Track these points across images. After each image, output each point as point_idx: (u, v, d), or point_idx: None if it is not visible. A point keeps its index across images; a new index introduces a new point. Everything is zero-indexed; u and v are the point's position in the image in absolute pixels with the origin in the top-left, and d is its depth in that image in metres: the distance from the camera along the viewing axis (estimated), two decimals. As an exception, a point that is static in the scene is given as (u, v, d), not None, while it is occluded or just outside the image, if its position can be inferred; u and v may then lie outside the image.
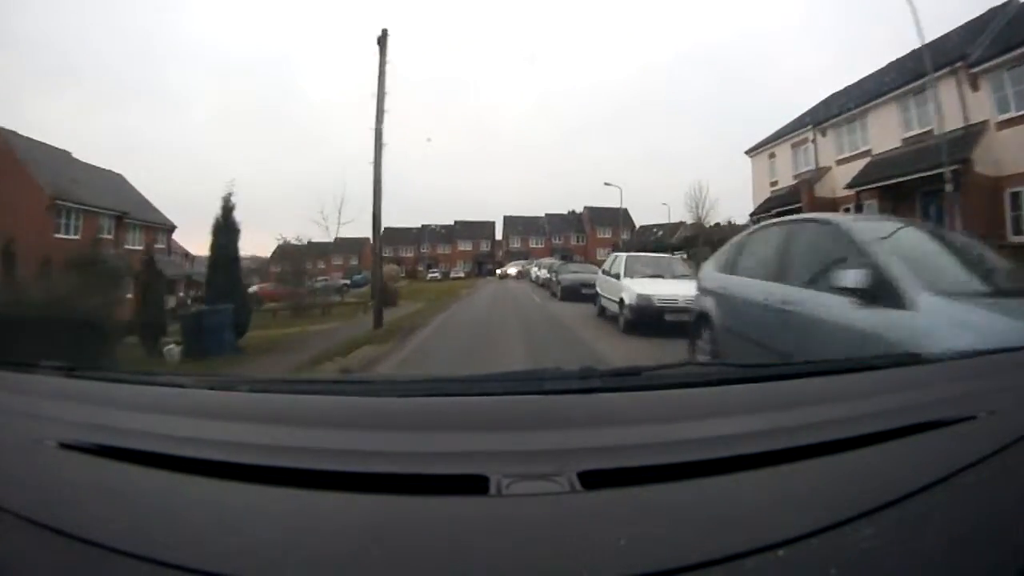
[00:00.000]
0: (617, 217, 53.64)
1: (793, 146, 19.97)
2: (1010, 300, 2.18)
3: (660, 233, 54.08)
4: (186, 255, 29.80)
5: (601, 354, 6.11)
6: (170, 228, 27.37)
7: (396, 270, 51.14)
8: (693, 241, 48.58)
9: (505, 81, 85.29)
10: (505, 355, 6.43)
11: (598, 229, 53.34)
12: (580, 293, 13.25)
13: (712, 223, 50.46)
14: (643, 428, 0.70)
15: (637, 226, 52.06)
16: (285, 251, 60.32)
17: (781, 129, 21.20)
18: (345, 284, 40.77)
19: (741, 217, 45.75)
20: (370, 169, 11.05)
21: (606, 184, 32.63)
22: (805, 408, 0.77)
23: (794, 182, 19.25)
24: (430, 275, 46.36)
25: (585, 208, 55.04)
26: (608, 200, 57.18)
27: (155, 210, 27.03)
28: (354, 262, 59.44)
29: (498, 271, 38.52)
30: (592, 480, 0.56)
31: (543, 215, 56.17)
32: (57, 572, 0.47)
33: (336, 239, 62.44)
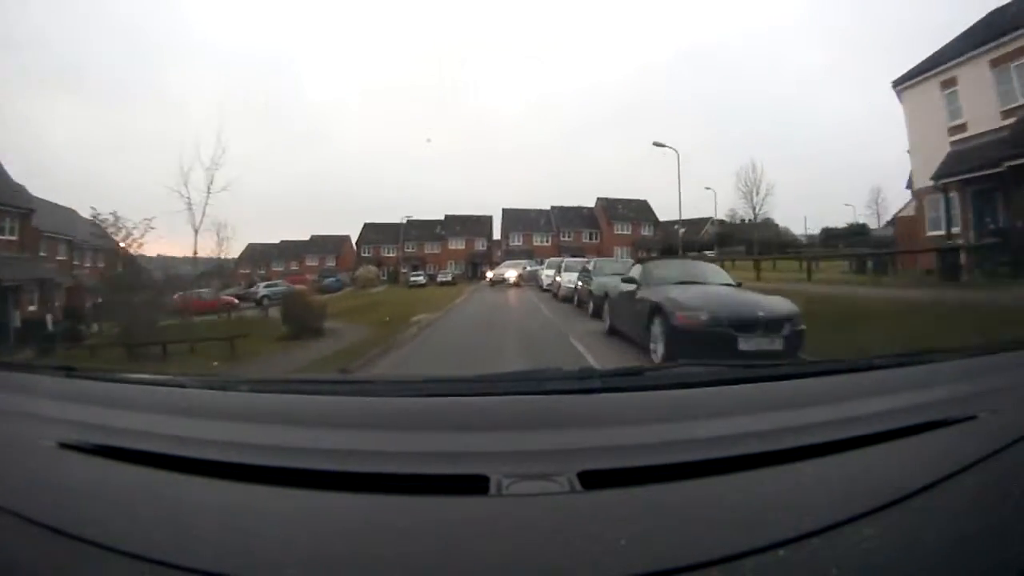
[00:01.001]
0: (638, 210, 45.72)
1: (995, 63, 11.90)
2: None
3: (683, 230, 46.44)
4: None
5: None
6: (25, 212, 19.02)
7: (375, 272, 43.02)
8: (728, 240, 40.72)
9: (505, 79, 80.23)
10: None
11: (615, 224, 44.91)
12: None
13: (739, 219, 42.53)
14: (643, 428, 0.70)
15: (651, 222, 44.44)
16: (256, 252, 50.76)
17: (957, 41, 13.22)
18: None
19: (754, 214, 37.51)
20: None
21: (656, 144, 22.29)
22: (805, 408, 0.77)
23: (1006, 121, 11.17)
24: (412, 279, 37.76)
25: (598, 200, 46.70)
26: (625, 191, 49.46)
27: (14, 188, 18.80)
28: (331, 263, 51.44)
29: (489, 274, 25.85)
30: (592, 480, 0.56)
31: (549, 208, 47.70)
32: (57, 572, 0.48)
33: (312, 236, 54.64)
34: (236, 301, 25.44)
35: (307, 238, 51.33)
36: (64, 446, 0.66)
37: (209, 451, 0.63)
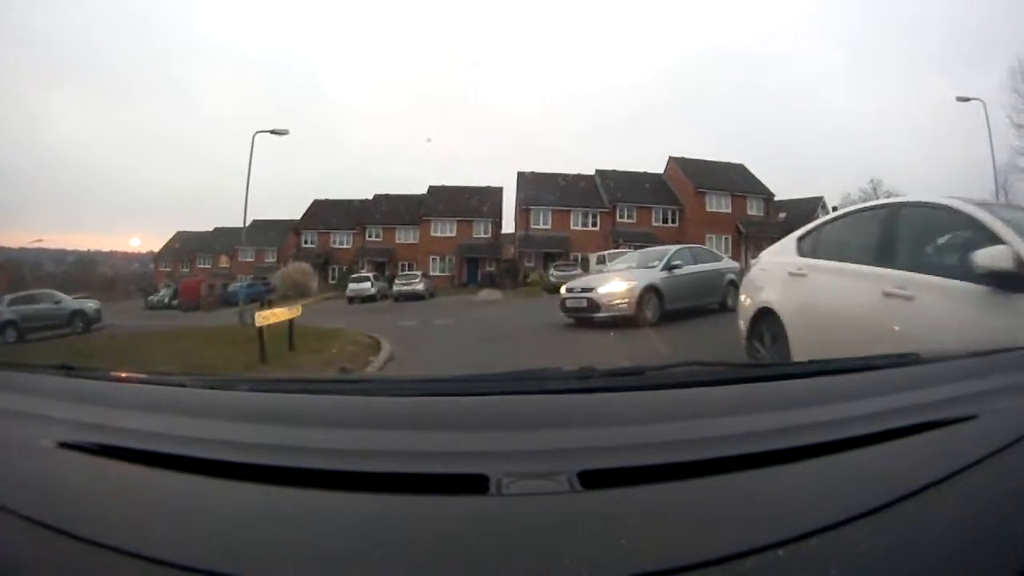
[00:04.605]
0: (735, 176, 28.40)
1: None
2: None
3: (783, 215, 29.89)
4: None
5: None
6: None
7: (308, 272, 27.58)
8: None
9: (516, 66, 69.75)
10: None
11: (706, 197, 27.77)
12: None
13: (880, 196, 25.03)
14: (643, 428, 0.70)
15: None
16: (185, 242, 32.53)
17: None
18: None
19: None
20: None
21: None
22: (805, 408, 0.77)
23: None
24: (351, 286, 22.10)
25: (671, 161, 29.73)
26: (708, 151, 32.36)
27: None
28: (271, 258, 36.05)
29: (563, 289, 8.47)
30: (592, 480, 0.56)
31: (593, 172, 29.65)
32: (57, 572, 0.48)
33: (253, 221, 39.65)
34: None
35: (248, 223, 36.85)
36: (64, 445, 0.67)
37: (209, 450, 0.64)
